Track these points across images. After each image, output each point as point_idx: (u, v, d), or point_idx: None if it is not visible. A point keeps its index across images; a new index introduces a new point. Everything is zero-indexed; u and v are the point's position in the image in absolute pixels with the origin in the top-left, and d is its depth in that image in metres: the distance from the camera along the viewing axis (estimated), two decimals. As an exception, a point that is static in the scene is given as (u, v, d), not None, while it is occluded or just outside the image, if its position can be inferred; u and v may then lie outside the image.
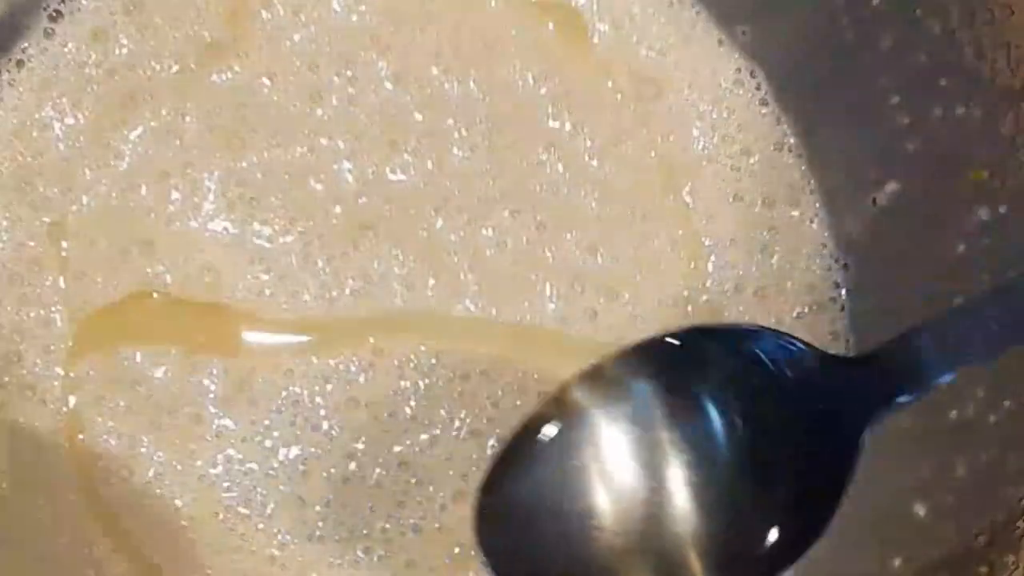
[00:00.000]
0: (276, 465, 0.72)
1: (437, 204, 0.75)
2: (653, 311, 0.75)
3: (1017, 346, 0.47)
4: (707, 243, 0.76)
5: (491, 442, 0.73)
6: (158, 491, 0.71)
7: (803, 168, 0.76)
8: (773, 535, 0.45)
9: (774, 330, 0.48)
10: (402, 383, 0.73)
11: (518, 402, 0.73)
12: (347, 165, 0.75)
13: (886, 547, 0.68)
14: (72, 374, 0.72)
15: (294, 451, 0.72)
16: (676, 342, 0.46)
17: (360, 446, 0.72)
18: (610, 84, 0.76)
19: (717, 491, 0.45)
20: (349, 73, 0.76)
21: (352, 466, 0.72)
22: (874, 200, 0.72)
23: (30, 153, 0.74)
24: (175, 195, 0.74)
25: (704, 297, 0.75)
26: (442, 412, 0.73)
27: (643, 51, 0.77)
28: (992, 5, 0.62)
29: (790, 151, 0.76)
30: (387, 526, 0.72)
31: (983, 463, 0.65)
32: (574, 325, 0.74)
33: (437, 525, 0.72)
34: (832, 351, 0.74)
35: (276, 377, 0.72)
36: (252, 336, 0.73)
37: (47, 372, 0.72)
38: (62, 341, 0.72)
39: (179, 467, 0.72)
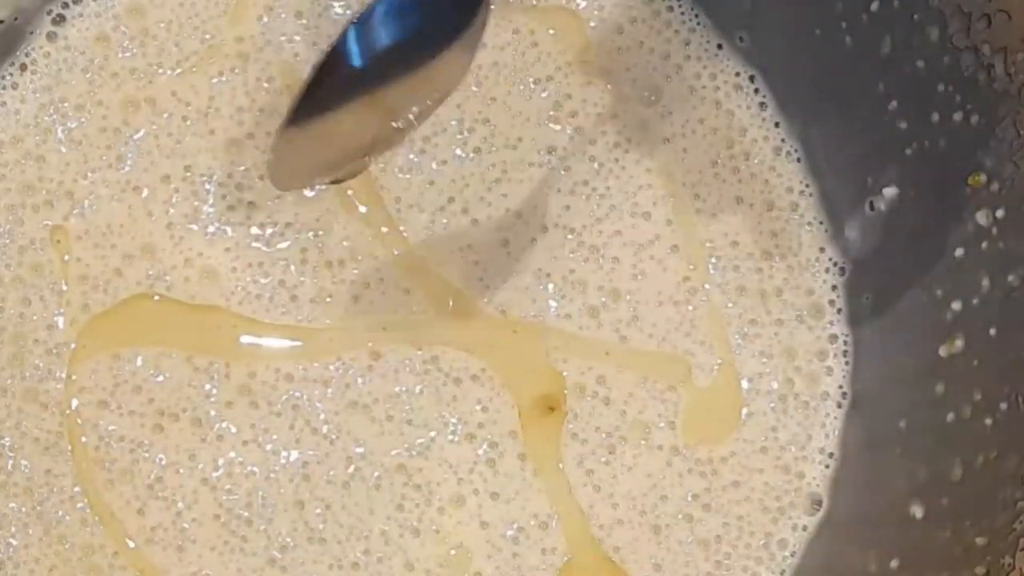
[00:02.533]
0: (277, 468, 0.72)
1: (441, 204, 0.75)
2: (654, 311, 0.75)
3: None
4: (708, 245, 0.76)
5: (484, 446, 0.73)
6: (160, 494, 0.72)
7: (802, 172, 0.76)
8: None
9: None
10: (399, 387, 0.73)
11: (513, 405, 0.73)
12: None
13: (884, 548, 0.69)
14: (74, 377, 0.72)
15: (294, 454, 0.72)
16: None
17: (359, 449, 0.72)
18: (610, 88, 0.76)
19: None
20: (352, 74, 0.76)
21: (351, 469, 0.72)
22: (872, 204, 0.73)
23: (32, 156, 0.74)
24: (175, 198, 0.74)
25: (704, 298, 0.75)
26: (437, 416, 0.73)
27: (643, 56, 0.77)
28: (989, 11, 0.62)
29: (789, 155, 0.76)
30: (386, 528, 0.72)
31: (980, 465, 0.65)
32: (575, 324, 0.74)
33: (435, 527, 0.72)
34: (830, 355, 0.75)
35: (275, 381, 0.73)
36: (252, 340, 0.73)
37: (49, 375, 0.73)
38: (64, 344, 0.73)
39: (181, 470, 0.72)
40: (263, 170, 0.73)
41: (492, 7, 0.60)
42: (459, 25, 0.58)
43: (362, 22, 0.56)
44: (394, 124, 0.63)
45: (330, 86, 0.57)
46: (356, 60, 0.56)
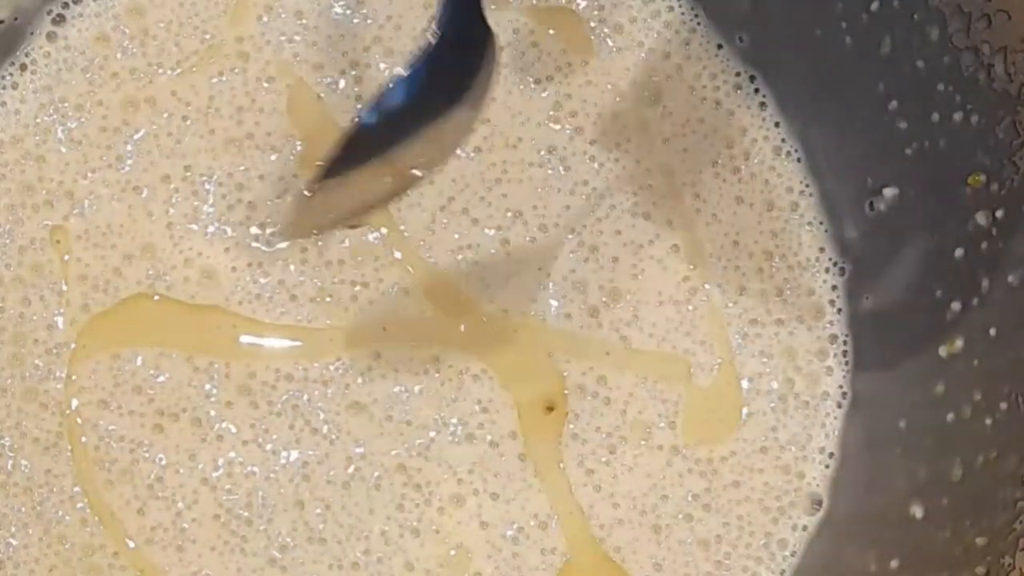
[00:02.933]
0: (277, 468, 0.72)
1: (441, 204, 0.75)
2: (654, 311, 0.75)
3: None
4: (708, 245, 0.76)
5: (484, 447, 0.73)
6: (160, 494, 0.72)
7: (802, 172, 0.76)
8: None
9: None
10: (399, 387, 0.73)
11: (513, 405, 0.73)
12: (349, 167, 0.75)
13: (884, 548, 0.69)
14: (74, 377, 0.72)
15: (294, 454, 0.72)
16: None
17: (359, 450, 0.72)
18: (610, 88, 0.76)
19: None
20: (354, 73, 0.76)
21: (351, 469, 0.72)
22: (872, 204, 0.73)
23: (32, 156, 0.74)
24: (175, 198, 0.74)
25: (704, 298, 0.75)
26: (437, 416, 0.73)
27: (643, 55, 0.77)
28: (989, 11, 0.62)
29: (789, 156, 0.76)
30: (386, 528, 0.72)
31: (980, 465, 0.65)
32: (576, 324, 0.74)
33: (435, 528, 0.72)
34: (831, 355, 0.75)
35: (275, 381, 0.73)
36: (252, 340, 0.73)
37: (49, 375, 0.73)
38: (64, 344, 0.73)
39: (181, 470, 0.72)
40: (277, 224, 0.75)
41: (500, 72, 0.64)
42: (462, 87, 0.62)
43: (381, 98, 0.60)
44: (406, 174, 0.65)
45: (347, 150, 0.61)
46: (370, 120, 0.60)
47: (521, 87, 0.76)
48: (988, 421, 0.65)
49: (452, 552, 0.72)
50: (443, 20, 0.61)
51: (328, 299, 0.74)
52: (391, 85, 0.60)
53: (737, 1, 0.76)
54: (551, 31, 0.77)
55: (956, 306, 0.67)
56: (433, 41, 0.60)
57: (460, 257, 0.75)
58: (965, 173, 0.66)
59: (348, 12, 0.77)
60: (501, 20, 0.77)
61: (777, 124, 0.76)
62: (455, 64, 0.61)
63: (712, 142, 0.76)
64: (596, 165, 0.76)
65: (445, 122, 0.62)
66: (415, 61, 0.60)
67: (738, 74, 0.77)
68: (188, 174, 0.75)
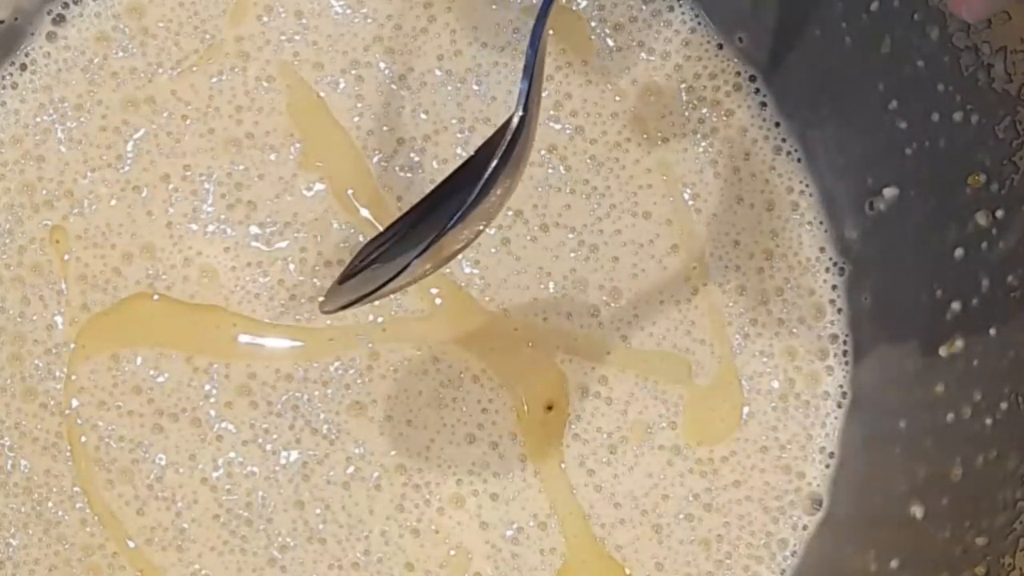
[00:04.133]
0: (276, 468, 0.72)
1: (441, 203, 0.75)
2: (654, 310, 0.75)
3: None
4: (708, 245, 0.76)
5: (484, 447, 0.73)
6: (160, 494, 0.72)
7: (802, 172, 0.76)
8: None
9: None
10: (399, 387, 0.73)
11: (513, 405, 0.73)
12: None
13: (884, 548, 0.69)
14: (74, 377, 0.72)
15: (294, 454, 0.72)
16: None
17: (359, 450, 0.72)
18: (610, 87, 0.76)
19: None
20: (354, 72, 0.76)
21: (351, 469, 0.72)
22: (872, 204, 0.73)
23: (32, 156, 0.74)
24: (175, 198, 0.74)
25: (704, 298, 0.75)
26: (437, 416, 0.73)
27: (643, 55, 0.77)
28: (989, 11, 0.63)
29: (789, 155, 0.76)
30: (386, 528, 0.72)
31: (980, 465, 0.65)
32: (576, 323, 0.74)
33: (435, 528, 0.72)
34: (831, 355, 0.75)
35: (275, 381, 0.73)
36: (251, 340, 0.73)
37: (49, 375, 0.73)
38: (64, 344, 0.73)
39: (180, 470, 0.72)
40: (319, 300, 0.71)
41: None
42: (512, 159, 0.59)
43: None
44: (447, 256, 0.63)
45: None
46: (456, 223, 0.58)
47: (522, 86, 0.76)
48: (988, 421, 0.65)
49: (452, 552, 0.72)
50: (527, 99, 0.58)
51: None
52: (485, 179, 0.57)
53: (737, 1, 0.76)
54: (551, 31, 0.77)
55: (956, 306, 0.67)
56: (515, 123, 0.58)
57: (460, 257, 0.75)
58: (965, 173, 0.66)
59: (348, 12, 0.77)
60: (502, 20, 0.77)
61: (777, 124, 0.76)
62: (520, 140, 0.59)
63: (712, 142, 0.76)
64: (596, 165, 0.76)
65: (494, 196, 0.59)
66: (498, 147, 0.57)
67: (738, 74, 0.77)
68: (188, 173, 0.75)
